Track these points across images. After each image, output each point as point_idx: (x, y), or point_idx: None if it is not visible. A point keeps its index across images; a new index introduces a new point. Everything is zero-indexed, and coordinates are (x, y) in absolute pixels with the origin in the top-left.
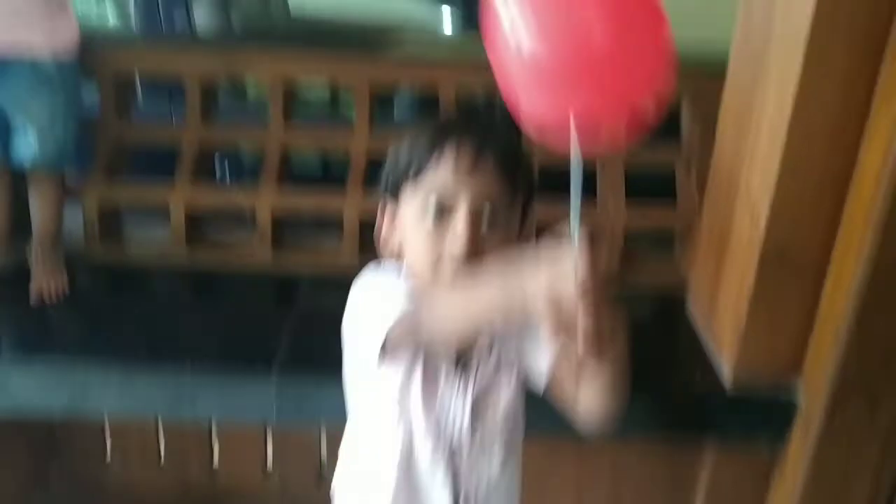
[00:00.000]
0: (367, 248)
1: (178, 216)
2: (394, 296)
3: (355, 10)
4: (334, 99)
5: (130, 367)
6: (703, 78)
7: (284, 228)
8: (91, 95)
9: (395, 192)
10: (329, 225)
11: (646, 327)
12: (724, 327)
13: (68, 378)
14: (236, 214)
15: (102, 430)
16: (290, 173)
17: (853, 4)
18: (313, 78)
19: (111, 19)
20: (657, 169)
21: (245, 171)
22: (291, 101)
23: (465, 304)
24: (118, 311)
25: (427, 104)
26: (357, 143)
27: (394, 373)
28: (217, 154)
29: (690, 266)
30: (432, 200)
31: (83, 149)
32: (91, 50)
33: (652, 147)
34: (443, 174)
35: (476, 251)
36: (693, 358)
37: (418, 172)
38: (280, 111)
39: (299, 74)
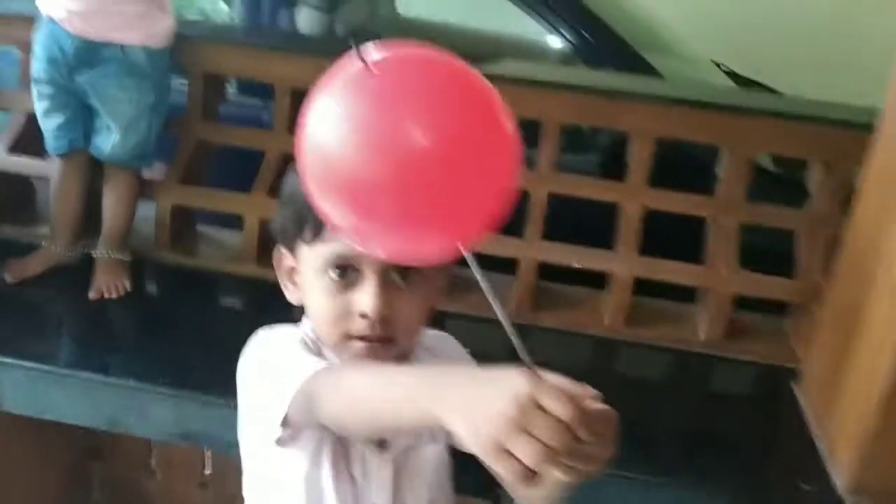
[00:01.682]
0: None
1: (251, 226)
2: (294, 371)
3: (466, 15)
4: None
5: (181, 389)
6: (839, 137)
7: None
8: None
9: (290, 248)
10: None
11: (748, 406)
12: (843, 427)
13: (116, 394)
14: None
15: (148, 441)
16: None
17: None
18: None
19: (221, 12)
20: (776, 234)
21: None
22: None
23: (374, 393)
24: (178, 320)
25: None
26: None
27: (298, 452)
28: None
29: (806, 346)
30: (332, 272)
31: (164, 145)
32: (184, 44)
33: (771, 211)
34: (341, 241)
35: (392, 315)
36: (799, 452)
37: (314, 237)
38: None
39: None
